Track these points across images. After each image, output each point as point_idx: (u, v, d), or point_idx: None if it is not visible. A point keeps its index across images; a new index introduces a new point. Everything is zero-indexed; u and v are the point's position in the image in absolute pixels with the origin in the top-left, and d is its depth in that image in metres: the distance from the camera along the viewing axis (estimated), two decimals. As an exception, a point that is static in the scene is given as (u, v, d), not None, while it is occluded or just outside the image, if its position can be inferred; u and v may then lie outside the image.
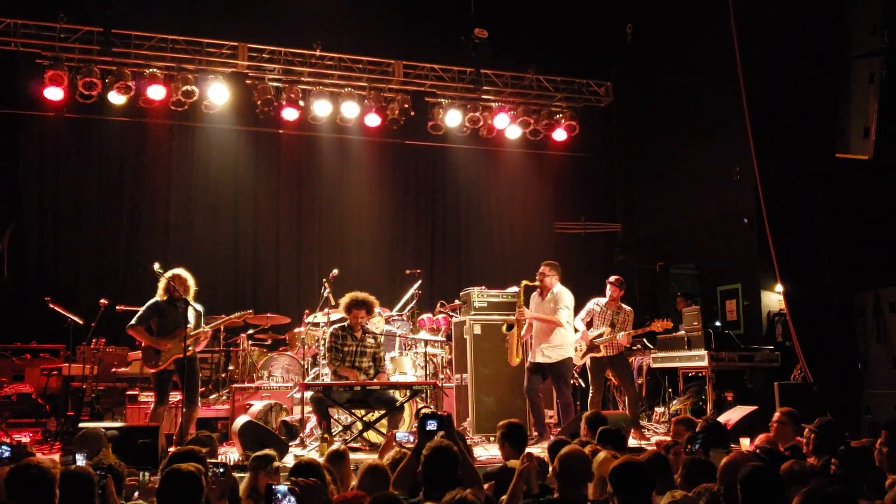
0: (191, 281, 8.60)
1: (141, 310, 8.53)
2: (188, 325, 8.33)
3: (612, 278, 10.24)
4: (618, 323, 9.92)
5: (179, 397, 8.81)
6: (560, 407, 9.57)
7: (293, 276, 13.65)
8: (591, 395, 10.03)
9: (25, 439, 8.99)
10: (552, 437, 7.43)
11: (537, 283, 9.70)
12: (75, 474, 4.13)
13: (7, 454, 5.43)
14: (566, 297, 9.62)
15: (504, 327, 9.67)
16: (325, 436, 8.20)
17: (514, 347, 9.58)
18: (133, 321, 8.48)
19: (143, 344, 8.49)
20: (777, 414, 6.85)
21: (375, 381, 8.94)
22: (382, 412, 8.73)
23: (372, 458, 6.04)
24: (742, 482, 4.06)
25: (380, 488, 4.48)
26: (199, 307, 8.70)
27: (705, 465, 4.88)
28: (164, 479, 4.13)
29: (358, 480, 4.66)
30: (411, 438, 6.45)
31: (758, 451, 5.68)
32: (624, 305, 10.11)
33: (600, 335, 9.89)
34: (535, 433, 9.33)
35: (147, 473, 5.16)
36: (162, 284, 8.50)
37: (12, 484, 3.92)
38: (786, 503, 4.08)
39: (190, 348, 8.36)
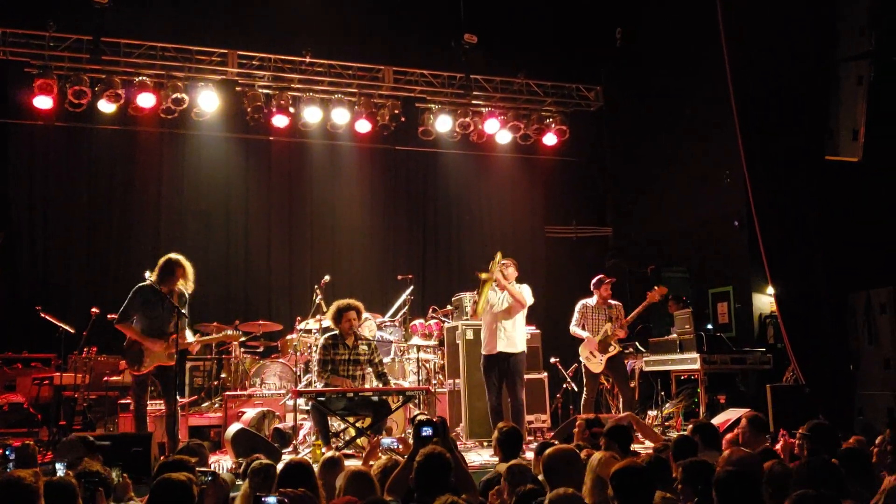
0: (188, 269, 8.46)
1: (126, 300, 8.30)
2: (177, 324, 8.19)
3: (594, 280, 10.26)
4: (613, 317, 9.96)
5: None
6: (514, 406, 9.32)
7: (285, 283, 13.62)
8: (584, 398, 10.04)
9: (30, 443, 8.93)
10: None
11: (495, 276, 9.33)
12: (57, 485, 4.08)
13: (11, 455, 5.41)
14: (527, 287, 9.50)
15: (482, 274, 9.30)
16: (318, 442, 8.19)
17: (483, 300, 9.34)
18: (120, 315, 8.27)
19: (126, 342, 8.30)
20: (742, 421, 6.81)
21: (367, 387, 8.95)
22: (376, 418, 8.72)
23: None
24: (716, 486, 4.07)
25: (365, 495, 4.46)
26: (186, 293, 8.53)
27: (703, 466, 4.84)
28: (154, 488, 4.09)
29: (342, 488, 4.64)
30: (397, 444, 6.46)
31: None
32: (611, 301, 10.15)
33: (605, 334, 9.89)
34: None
35: (118, 471, 5.09)
36: (159, 269, 8.31)
37: None
38: None
39: (171, 359, 8.25)
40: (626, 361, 10.86)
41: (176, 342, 8.16)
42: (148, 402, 8.51)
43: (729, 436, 6.91)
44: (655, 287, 10.12)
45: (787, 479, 4.52)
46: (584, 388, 10.13)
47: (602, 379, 10.36)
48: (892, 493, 4.45)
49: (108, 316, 10.00)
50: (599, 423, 6.86)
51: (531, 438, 9.42)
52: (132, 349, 8.25)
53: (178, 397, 8.47)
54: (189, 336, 8.59)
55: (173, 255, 8.53)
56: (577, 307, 10.19)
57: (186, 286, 8.44)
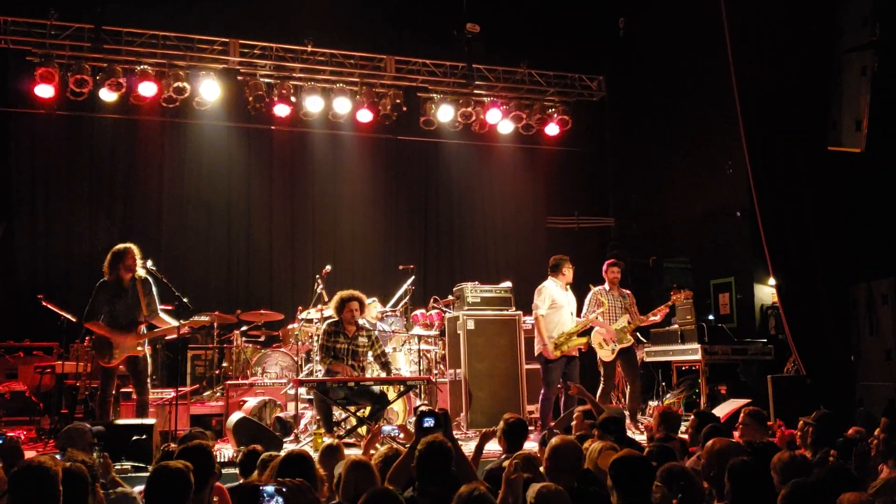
0: (135, 251, 8.51)
1: (91, 297, 8.40)
2: (144, 314, 8.34)
3: (609, 261, 10.25)
4: (628, 307, 9.95)
5: (172, 394, 8.83)
6: (566, 399, 9.57)
7: (286, 273, 13.64)
8: (601, 388, 9.94)
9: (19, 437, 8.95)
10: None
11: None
12: (69, 472, 4.08)
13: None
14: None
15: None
16: (319, 431, 8.21)
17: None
18: (87, 314, 8.38)
19: (94, 336, 8.42)
20: (742, 416, 6.80)
21: (368, 376, 8.97)
22: (375, 407, 8.74)
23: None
24: (730, 473, 4.07)
25: (365, 484, 4.47)
26: (150, 278, 8.57)
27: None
28: (151, 476, 4.09)
29: (343, 477, 4.64)
30: (397, 432, 6.46)
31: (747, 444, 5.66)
32: (625, 290, 10.15)
33: (622, 326, 9.87)
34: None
35: (98, 451, 5.11)
36: (106, 266, 8.41)
37: (16, 486, 3.86)
38: (774, 495, 4.08)
39: (141, 348, 8.36)
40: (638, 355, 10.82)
41: (167, 331, 8.25)
42: (113, 392, 8.63)
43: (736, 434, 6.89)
44: (681, 290, 10.14)
45: (800, 469, 4.52)
46: (603, 379, 10.04)
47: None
48: (891, 484, 4.44)
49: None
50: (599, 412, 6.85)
51: (532, 428, 9.41)
52: (101, 342, 8.36)
53: (149, 388, 8.57)
54: (169, 319, 8.61)
55: (118, 245, 8.61)
56: (593, 296, 10.08)
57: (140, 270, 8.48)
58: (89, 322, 8.39)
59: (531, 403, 10.11)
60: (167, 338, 9.62)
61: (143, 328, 8.36)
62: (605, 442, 5.18)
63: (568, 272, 9.83)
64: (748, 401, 8.87)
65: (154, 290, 8.56)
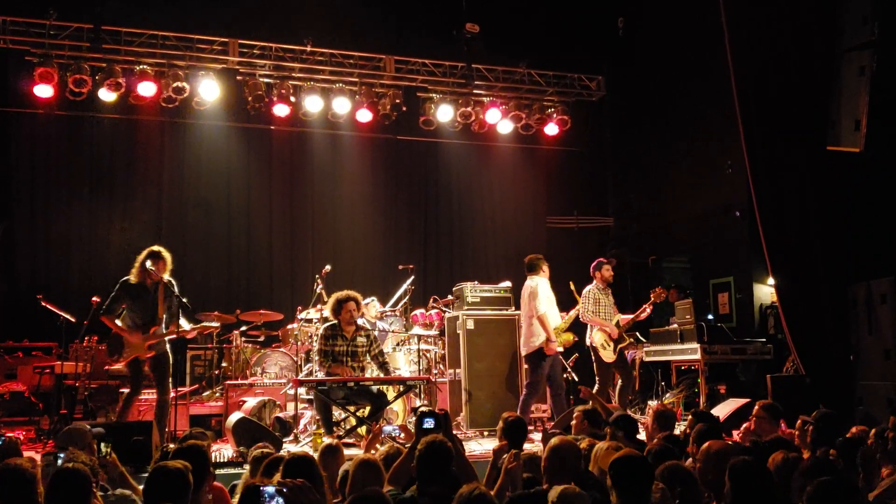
0: (169, 258, 8.47)
1: (112, 293, 8.42)
2: (162, 317, 8.34)
3: (594, 263, 10.35)
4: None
5: (172, 394, 8.81)
6: (555, 398, 9.69)
7: (286, 273, 13.64)
8: (596, 389, 9.96)
9: (18, 438, 8.94)
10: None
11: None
12: (71, 472, 4.07)
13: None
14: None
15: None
16: (318, 431, 8.21)
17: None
18: (106, 308, 8.39)
19: (111, 333, 8.41)
20: (756, 408, 6.82)
21: (368, 376, 8.96)
22: (375, 407, 8.72)
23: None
24: (731, 473, 4.07)
25: (372, 483, 4.47)
26: (173, 281, 8.53)
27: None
28: (150, 476, 4.09)
29: (350, 475, 4.65)
30: (398, 432, 6.47)
31: (748, 443, 5.67)
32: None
33: (617, 323, 9.96)
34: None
35: (108, 447, 5.12)
36: (137, 265, 8.39)
37: None
38: (774, 495, 4.08)
39: (152, 350, 8.33)
40: (626, 351, 10.87)
41: (172, 332, 8.27)
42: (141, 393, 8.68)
43: (745, 425, 6.89)
44: (658, 288, 10.18)
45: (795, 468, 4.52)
46: (598, 380, 10.05)
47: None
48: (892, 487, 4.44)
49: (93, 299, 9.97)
50: (597, 413, 6.86)
51: (531, 428, 9.42)
52: (114, 340, 8.37)
53: (170, 388, 8.53)
54: (184, 324, 8.61)
55: (152, 249, 8.56)
56: (589, 295, 10.12)
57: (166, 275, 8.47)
58: (105, 316, 8.38)
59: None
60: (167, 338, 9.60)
61: (154, 330, 8.33)
62: (612, 443, 5.18)
63: (546, 269, 9.91)
64: (748, 400, 8.87)
65: (176, 294, 8.48)
